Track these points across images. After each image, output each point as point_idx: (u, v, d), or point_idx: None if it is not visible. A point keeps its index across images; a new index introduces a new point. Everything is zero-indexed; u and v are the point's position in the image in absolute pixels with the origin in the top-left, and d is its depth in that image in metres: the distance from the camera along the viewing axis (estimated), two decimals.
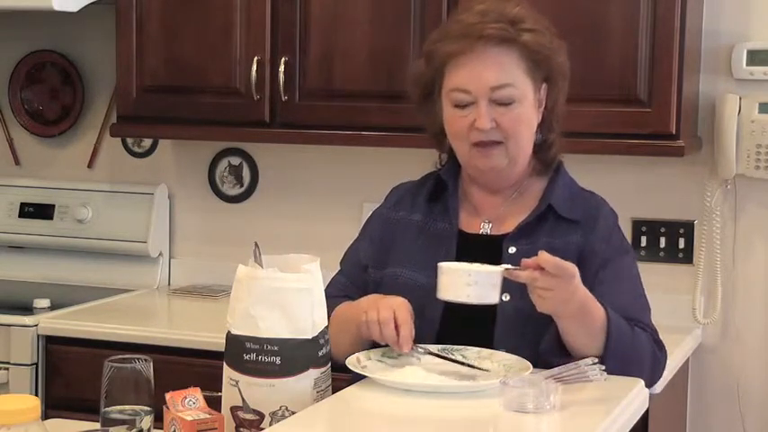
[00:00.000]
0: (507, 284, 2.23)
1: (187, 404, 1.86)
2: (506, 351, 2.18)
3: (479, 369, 2.05)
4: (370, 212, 3.55)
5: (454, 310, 2.25)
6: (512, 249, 2.29)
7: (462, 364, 2.06)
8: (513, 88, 2.26)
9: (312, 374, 1.91)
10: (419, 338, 2.18)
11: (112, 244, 3.79)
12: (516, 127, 2.27)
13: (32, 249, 3.90)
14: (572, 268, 2.10)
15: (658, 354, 2.30)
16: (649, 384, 2.26)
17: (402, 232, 2.39)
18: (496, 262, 2.26)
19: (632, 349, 2.20)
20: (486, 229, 2.36)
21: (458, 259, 2.30)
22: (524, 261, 2.11)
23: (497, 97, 2.25)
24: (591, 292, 2.20)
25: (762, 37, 3.25)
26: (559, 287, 2.09)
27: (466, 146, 2.30)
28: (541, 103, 2.32)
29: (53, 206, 3.86)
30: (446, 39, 2.30)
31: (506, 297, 2.22)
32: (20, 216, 3.89)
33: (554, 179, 2.38)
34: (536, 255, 2.24)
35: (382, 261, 2.37)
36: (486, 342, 2.19)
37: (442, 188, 2.40)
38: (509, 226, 2.33)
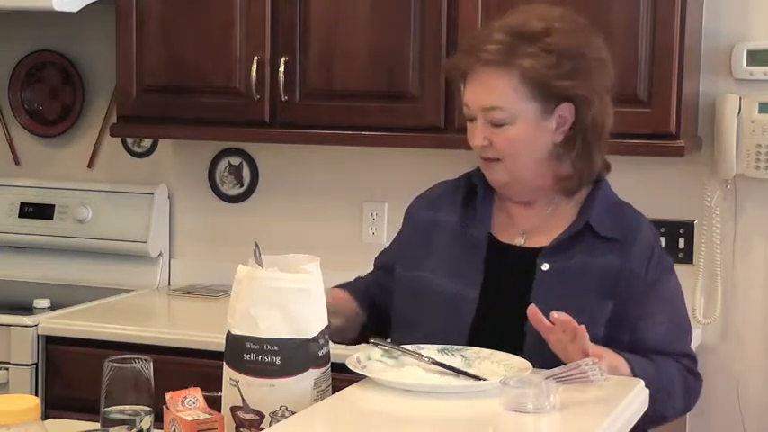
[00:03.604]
0: (537, 302, 2.16)
1: (187, 404, 1.86)
2: (539, 358, 2.14)
3: (479, 379, 2.04)
4: (371, 212, 3.59)
5: (485, 320, 2.25)
6: (545, 266, 2.25)
7: (462, 373, 2.06)
8: (502, 111, 2.22)
9: (312, 374, 1.91)
10: (451, 344, 2.17)
11: (112, 244, 3.79)
12: (510, 147, 2.24)
13: (32, 249, 3.90)
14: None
15: (692, 382, 2.29)
16: (684, 411, 2.31)
17: (438, 235, 2.36)
18: (529, 277, 2.25)
19: (659, 390, 2.17)
20: (520, 241, 2.32)
21: (487, 268, 2.27)
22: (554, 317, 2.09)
23: (489, 118, 2.24)
24: (629, 314, 2.22)
25: (762, 37, 3.25)
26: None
27: (478, 157, 2.31)
28: (564, 121, 2.25)
29: (53, 206, 3.86)
30: (457, 53, 2.34)
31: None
32: (20, 216, 3.90)
33: (593, 194, 2.32)
34: (570, 272, 2.23)
35: (415, 261, 2.35)
36: (518, 350, 2.16)
37: (476, 191, 2.37)
38: (544, 240, 2.28)
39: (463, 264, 2.30)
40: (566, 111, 2.25)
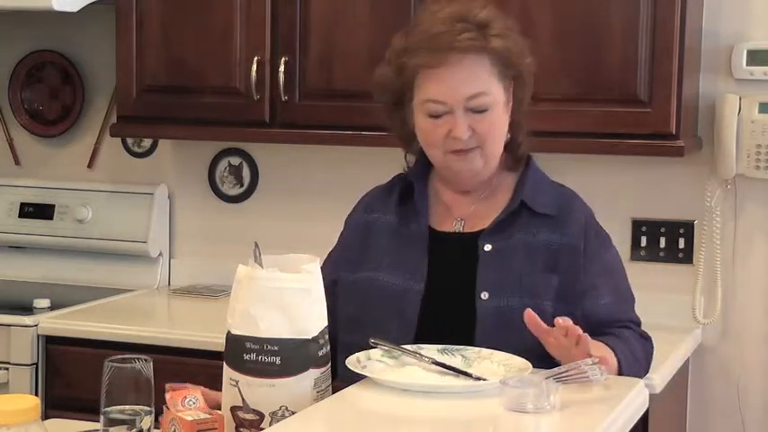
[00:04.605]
0: (485, 282, 2.24)
1: (187, 404, 1.87)
2: (492, 343, 2.17)
3: (479, 379, 2.04)
4: None
5: (432, 310, 2.27)
6: (487, 247, 2.29)
7: (462, 373, 2.05)
8: (487, 96, 2.26)
9: (312, 374, 1.91)
10: (398, 340, 2.18)
11: (112, 244, 3.79)
12: (492, 132, 2.28)
13: (32, 249, 3.90)
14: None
15: (648, 346, 2.37)
16: (646, 373, 2.34)
17: (377, 235, 2.39)
18: (471, 260, 2.28)
19: (635, 367, 2.25)
20: (458, 227, 2.36)
21: (430, 259, 2.30)
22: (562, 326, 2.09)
23: (473, 106, 2.26)
24: (574, 288, 2.26)
25: (762, 37, 3.25)
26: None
27: (441, 153, 2.31)
28: (510, 100, 2.33)
29: (53, 206, 3.86)
30: (414, 50, 2.28)
31: (485, 295, 2.24)
32: (20, 216, 3.90)
33: (524, 174, 2.38)
34: (512, 251, 2.27)
35: (356, 263, 2.37)
36: (467, 341, 2.19)
37: (411, 189, 2.40)
38: (482, 224, 2.33)
39: (406, 259, 2.32)
40: (510, 90, 2.33)
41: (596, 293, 2.30)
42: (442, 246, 2.33)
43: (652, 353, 2.39)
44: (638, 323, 2.38)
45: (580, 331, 2.08)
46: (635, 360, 2.27)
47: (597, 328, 2.24)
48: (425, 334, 2.23)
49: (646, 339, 2.37)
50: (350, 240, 2.44)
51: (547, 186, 2.39)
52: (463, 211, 2.37)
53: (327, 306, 2.03)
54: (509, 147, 2.36)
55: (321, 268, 2.40)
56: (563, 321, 2.08)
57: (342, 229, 2.50)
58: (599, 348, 2.16)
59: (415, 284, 2.29)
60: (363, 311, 2.31)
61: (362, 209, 2.47)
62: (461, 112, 2.26)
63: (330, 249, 2.49)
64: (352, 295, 2.35)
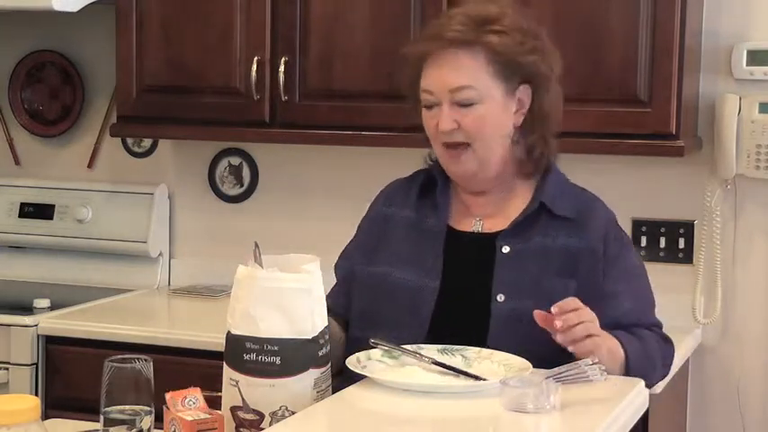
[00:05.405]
0: (501, 284, 2.24)
1: (187, 404, 1.87)
2: (504, 344, 2.17)
3: (479, 379, 2.04)
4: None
5: (446, 309, 2.26)
6: (505, 249, 2.29)
7: (462, 373, 2.06)
8: (473, 90, 2.25)
9: (312, 374, 1.91)
10: (411, 337, 2.18)
11: (112, 244, 3.79)
12: (480, 128, 2.27)
13: (32, 249, 3.90)
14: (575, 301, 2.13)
15: (667, 350, 2.35)
16: (663, 377, 2.36)
17: (393, 229, 2.39)
18: (489, 261, 2.28)
19: (646, 365, 2.24)
20: (477, 227, 2.35)
21: (446, 256, 2.30)
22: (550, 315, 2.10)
23: (458, 99, 2.26)
24: (594, 293, 2.22)
25: (762, 37, 3.25)
26: (586, 312, 2.11)
27: (439, 148, 2.32)
28: (522, 104, 2.31)
29: (53, 206, 3.86)
30: (418, 41, 2.34)
31: (501, 297, 2.23)
32: (20, 216, 3.90)
33: (545, 177, 2.36)
34: (530, 254, 2.26)
35: (371, 257, 2.37)
36: (480, 342, 2.19)
37: (432, 184, 2.40)
38: (500, 224, 2.32)
39: (422, 255, 2.32)
40: (524, 93, 2.31)
41: (617, 298, 2.27)
42: (459, 244, 2.33)
43: (672, 356, 2.37)
44: (660, 326, 2.36)
45: (577, 304, 2.09)
46: (646, 357, 2.24)
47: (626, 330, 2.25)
48: (438, 332, 2.22)
49: (666, 342, 2.35)
50: (367, 232, 2.45)
51: (568, 190, 2.38)
52: (482, 210, 2.36)
53: (342, 297, 2.02)
54: (526, 151, 2.34)
55: (337, 262, 2.42)
56: (556, 308, 2.08)
57: (361, 220, 2.50)
58: (607, 337, 2.16)
59: (431, 282, 2.28)
60: (376, 307, 2.31)
61: (382, 201, 2.47)
62: (447, 105, 2.26)
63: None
64: (365, 289, 2.35)
